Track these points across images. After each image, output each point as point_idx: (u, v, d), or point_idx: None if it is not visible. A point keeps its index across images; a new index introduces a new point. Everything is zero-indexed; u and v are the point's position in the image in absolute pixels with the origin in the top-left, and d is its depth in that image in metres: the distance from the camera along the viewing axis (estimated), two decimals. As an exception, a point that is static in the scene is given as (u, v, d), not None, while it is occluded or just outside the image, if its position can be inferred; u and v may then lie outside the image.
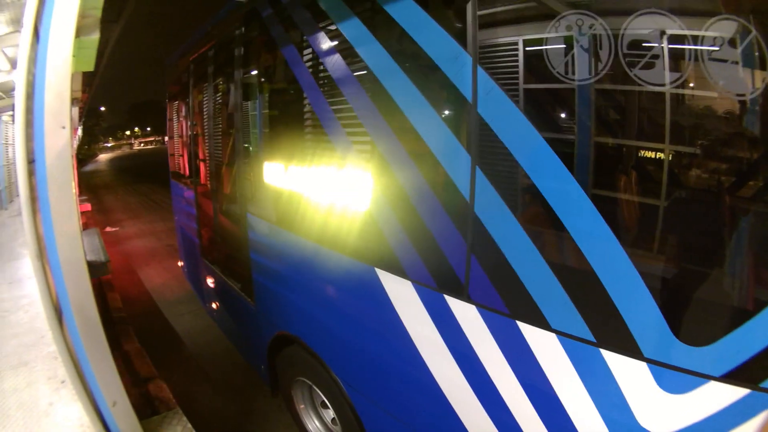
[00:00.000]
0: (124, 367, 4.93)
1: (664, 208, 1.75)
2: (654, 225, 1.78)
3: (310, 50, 3.14)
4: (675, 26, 1.59)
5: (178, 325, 7.19)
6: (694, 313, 1.67)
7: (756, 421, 1.44)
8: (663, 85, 1.65)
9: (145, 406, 3.96)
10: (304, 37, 3.18)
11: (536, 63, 1.89)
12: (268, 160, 3.89)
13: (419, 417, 2.64)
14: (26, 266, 7.38)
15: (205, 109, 5.84)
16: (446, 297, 2.27)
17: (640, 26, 1.63)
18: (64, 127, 2.64)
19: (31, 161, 2.66)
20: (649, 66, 1.63)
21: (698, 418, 1.56)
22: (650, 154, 1.89)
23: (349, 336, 3.05)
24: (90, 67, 5.15)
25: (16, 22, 6.28)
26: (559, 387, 1.90)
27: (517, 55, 1.96)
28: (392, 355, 2.69)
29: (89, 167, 60.69)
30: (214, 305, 6.18)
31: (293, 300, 3.66)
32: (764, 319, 1.43)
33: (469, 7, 2.00)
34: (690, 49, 1.58)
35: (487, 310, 2.11)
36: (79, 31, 2.75)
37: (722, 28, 1.52)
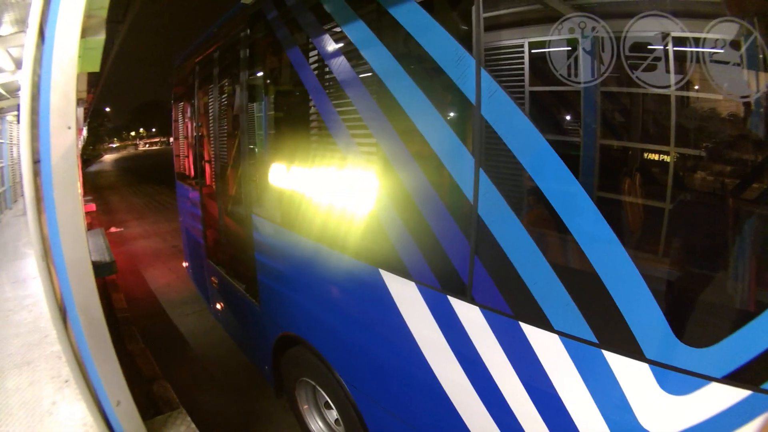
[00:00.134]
0: (128, 367, 4.94)
1: (665, 211, 1.75)
2: (656, 227, 1.78)
3: (315, 52, 3.15)
4: (678, 28, 1.59)
5: (182, 326, 7.21)
6: (696, 314, 1.67)
7: (757, 423, 1.44)
8: (667, 87, 1.65)
9: (148, 406, 3.97)
10: (309, 40, 3.19)
11: (540, 65, 1.90)
12: (274, 161, 3.90)
13: (422, 418, 2.64)
14: (30, 266, 7.41)
15: (210, 111, 5.86)
16: (450, 298, 2.27)
17: (644, 29, 1.63)
18: (69, 128, 2.65)
19: (36, 161, 2.67)
20: (652, 68, 1.64)
21: (700, 419, 1.56)
22: (652, 157, 1.89)
23: (353, 337, 3.05)
24: (95, 67, 5.16)
25: (21, 23, 6.29)
26: (562, 388, 1.90)
27: (520, 58, 1.97)
28: (396, 356, 2.69)
29: (94, 167, 61.04)
30: (218, 306, 6.19)
31: (298, 301, 3.66)
32: (766, 320, 1.43)
33: (474, 9, 2.01)
34: (693, 51, 1.58)
35: (490, 312, 2.11)
36: (85, 32, 2.75)
37: (725, 30, 1.52)
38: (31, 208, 2.71)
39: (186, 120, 7.66)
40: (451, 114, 2.25)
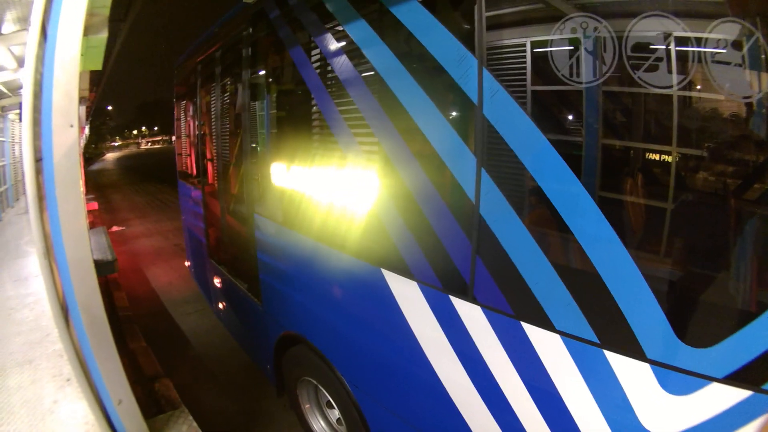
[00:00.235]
0: (130, 365, 4.95)
1: (667, 211, 1.75)
2: (657, 227, 1.78)
3: (317, 51, 3.15)
4: (680, 29, 1.59)
5: (184, 325, 7.22)
6: (698, 314, 1.67)
7: (758, 423, 1.44)
8: (669, 87, 1.64)
9: (150, 405, 3.97)
10: (311, 39, 3.19)
11: (542, 65, 1.89)
12: (276, 160, 3.90)
13: (424, 417, 2.64)
14: (32, 264, 7.42)
15: (212, 109, 5.86)
16: (451, 298, 2.27)
17: (646, 29, 1.63)
18: (71, 126, 2.65)
19: (38, 159, 2.67)
20: (654, 68, 1.63)
21: (701, 419, 1.56)
22: (654, 157, 1.89)
23: (355, 336, 3.06)
24: (98, 66, 5.15)
25: (23, 21, 6.29)
26: (563, 388, 1.90)
27: (522, 58, 1.97)
28: (397, 355, 2.69)
29: (96, 166, 61.09)
30: (220, 305, 6.20)
31: (300, 300, 3.66)
32: (767, 321, 1.43)
33: (476, 9, 2.01)
34: (695, 52, 1.58)
35: (492, 311, 2.11)
36: (87, 30, 2.75)
37: (727, 30, 1.51)
38: (33, 207, 2.71)
39: (188, 119, 7.67)
40: (453, 114, 2.25)
